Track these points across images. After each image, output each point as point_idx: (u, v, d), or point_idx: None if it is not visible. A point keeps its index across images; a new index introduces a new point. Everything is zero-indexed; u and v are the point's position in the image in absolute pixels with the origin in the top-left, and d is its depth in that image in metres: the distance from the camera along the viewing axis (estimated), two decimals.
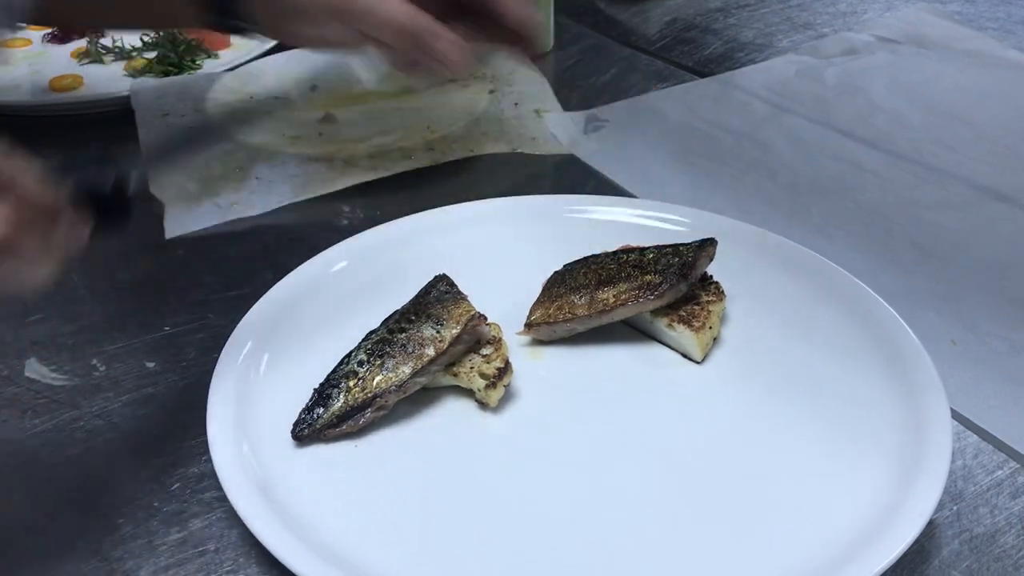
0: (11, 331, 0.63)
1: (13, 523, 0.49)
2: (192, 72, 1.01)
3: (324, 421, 0.51)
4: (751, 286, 0.62)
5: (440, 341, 0.53)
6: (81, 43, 1.09)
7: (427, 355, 0.53)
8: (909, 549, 0.42)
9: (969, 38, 1.11)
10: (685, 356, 0.57)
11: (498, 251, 0.68)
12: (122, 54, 1.06)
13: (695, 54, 1.10)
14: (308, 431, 0.51)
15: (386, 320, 0.56)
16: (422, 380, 0.53)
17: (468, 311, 0.55)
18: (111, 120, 0.93)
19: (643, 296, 0.57)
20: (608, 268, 0.60)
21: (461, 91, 0.94)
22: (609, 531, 0.46)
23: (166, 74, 1.00)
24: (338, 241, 0.67)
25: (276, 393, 0.54)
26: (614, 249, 0.63)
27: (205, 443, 0.49)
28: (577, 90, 1.00)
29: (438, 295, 0.57)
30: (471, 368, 0.54)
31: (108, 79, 1.01)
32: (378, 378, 0.52)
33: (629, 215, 0.71)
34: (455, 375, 0.54)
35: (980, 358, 0.60)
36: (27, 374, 0.60)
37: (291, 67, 1.00)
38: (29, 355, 0.61)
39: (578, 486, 0.49)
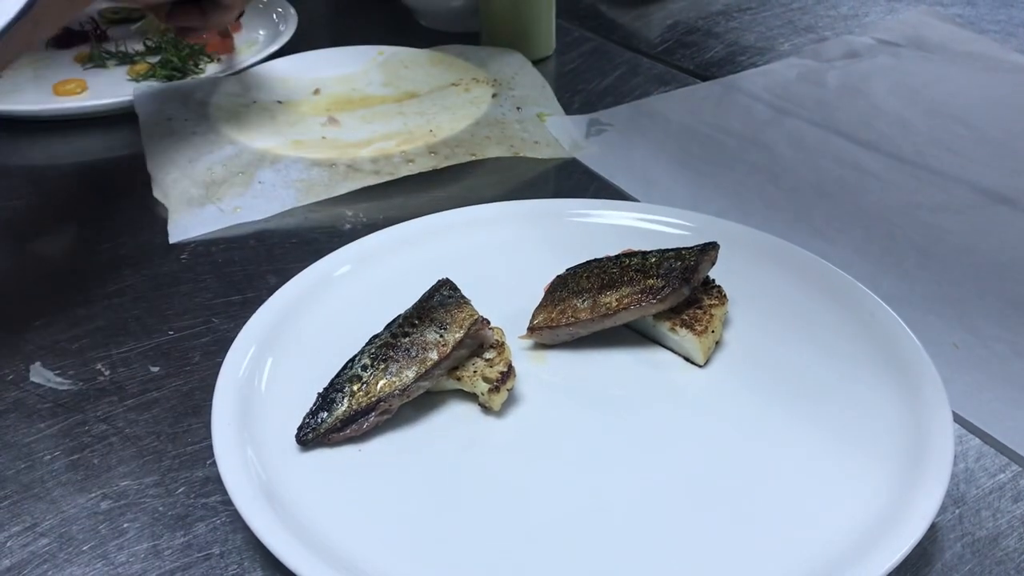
0: (16, 336, 0.64)
1: (18, 528, 0.49)
2: (195, 76, 1.02)
3: (328, 425, 0.51)
4: (753, 290, 0.62)
5: (443, 345, 0.53)
6: (84, 48, 1.09)
7: (430, 359, 0.53)
8: (911, 553, 0.42)
9: (970, 41, 1.11)
10: (687, 360, 0.58)
11: (500, 255, 0.68)
12: (125, 58, 1.06)
13: (697, 57, 1.10)
14: (312, 435, 0.51)
15: (389, 324, 0.57)
16: (426, 384, 0.53)
17: (471, 315, 0.55)
18: (114, 124, 0.93)
19: (645, 300, 0.57)
20: (610, 272, 0.60)
21: (463, 95, 0.94)
22: (612, 534, 0.46)
23: (169, 78, 1.00)
24: (341, 245, 0.67)
25: (280, 397, 0.54)
26: (616, 253, 0.63)
27: (210, 447, 0.50)
28: (579, 94, 1.00)
29: (441, 299, 0.57)
30: (474, 372, 0.54)
31: (111, 83, 1.01)
32: (382, 382, 0.52)
33: (631, 219, 0.71)
34: (458, 379, 0.54)
35: (982, 361, 0.60)
36: (32, 378, 0.60)
37: (294, 71, 1.01)
38: (34, 360, 0.61)
39: (582, 489, 0.49)
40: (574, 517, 0.47)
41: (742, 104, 0.97)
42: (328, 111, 0.92)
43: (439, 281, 0.59)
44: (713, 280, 0.61)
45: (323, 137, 0.87)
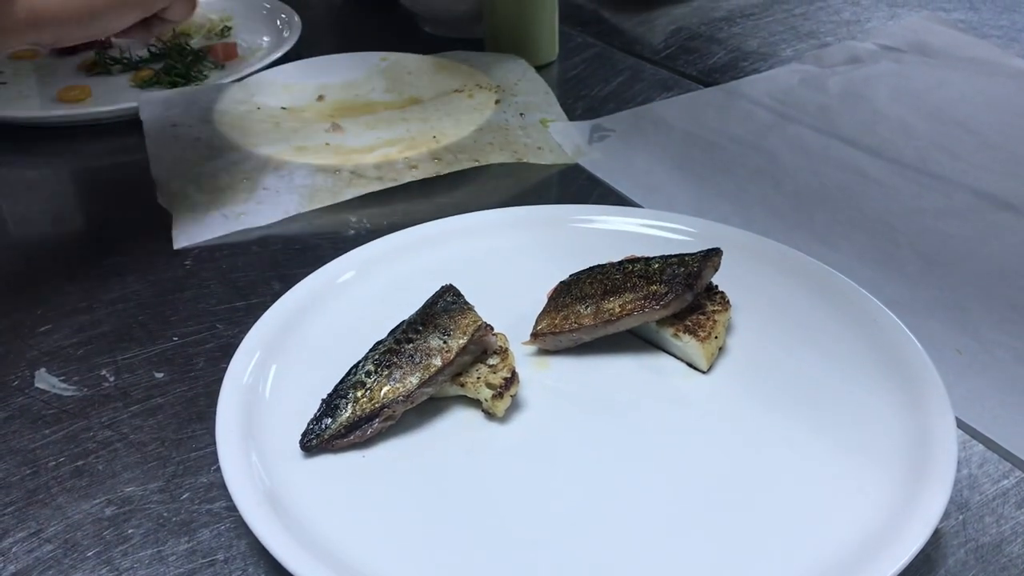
0: (22, 342, 0.64)
1: (23, 533, 0.49)
2: (199, 83, 1.02)
3: (332, 431, 0.51)
4: (756, 296, 0.62)
5: (447, 351, 0.54)
6: (88, 54, 1.10)
7: (434, 365, 0.53)
8: (915, 559, 0.42)
9: (973, 46, 1.11)
10: (691, 366, 0.58)
11: (504, 261, 0.68)
12: (129, 65, 1.07)
13: (699, 63, 1.10)
14: (316, 441, 0.51)
15: (393, 330, 0.57)
16: (429, 390, 0.53)
17: (475, 321, 0.55)
18: (119, 131, 0.93)
19: (649, 306, 0.57)
20: (614, 278, 0.60)
21: (467, 101, 0.94)
22: (616, 540, 0.46)
23: (173, 85, 1.01)
24: (345, 251, 0.67)
25: (284, 403, 0.54)
26: (619, 259, 0.63)
27: (214, 453, 0.50)
28: (582, 100, 1.00)
29: (445, 305, 0.57)
30: (478, 378, 0.54)
31: (115, 90, 1.02)
32: (385, 388, 0.52)
33: (634, 225, 0.71)
34: (462, 385, 0.54)
35: (985, 367, 0.60)
36: (37, 384, 0.60)
37: (298, 78, 1.01)
38: (39, 366, 0.62)
39: (585, 495, 0.49)
40: (577, 523, 0.47)
41: (744, 110, 0.97)
42: (332, 117, 0.93)
43: (443, 287, 0.59)
44: (716, 286, 0.61)
45: (327, 143, 0.87)
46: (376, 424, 0.51)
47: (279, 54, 1.07)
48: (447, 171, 0.82)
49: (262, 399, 0.54)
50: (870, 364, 0.56)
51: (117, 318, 0.66)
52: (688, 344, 0.57)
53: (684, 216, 0.71)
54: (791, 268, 0.64)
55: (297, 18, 1.17)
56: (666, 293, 0.57)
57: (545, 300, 0.62)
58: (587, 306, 0.59)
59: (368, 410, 0.51)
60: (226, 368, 0.55)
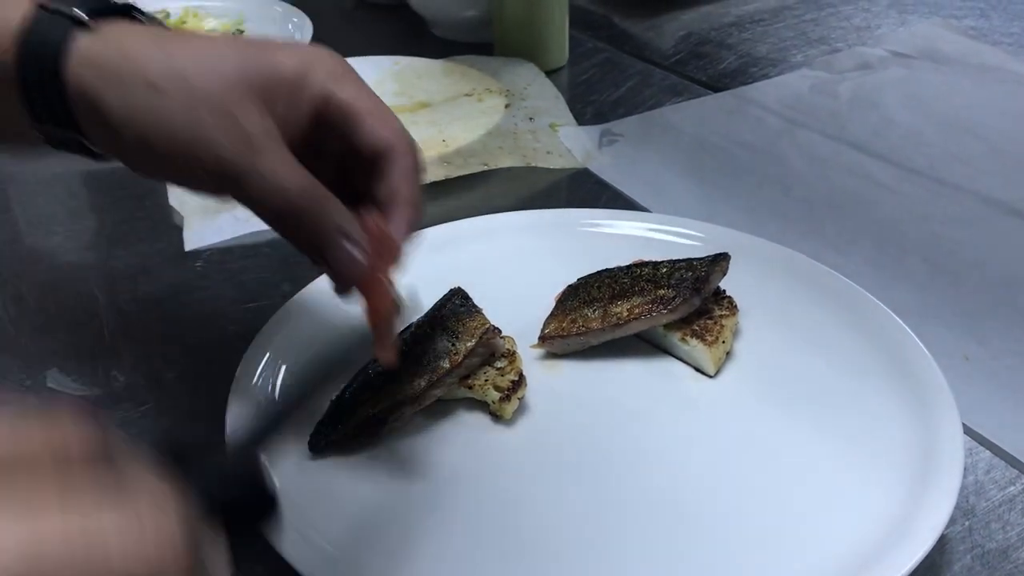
0: (33, 342, 0.64)
1: None
2: None
3: (341, 433, 0.51)
4: (764, 301, 0.63)
5: (455, 354, 0.54)
6: None
7: (442, 368, 0.53)
8: (920, 564, 0.42)
9: (983, 53, 1.11)
10: (698, 370, 0.58)
11: (512, 264, 0.68)
12: None
13: (709, 68, 1.11)
14: (325, 443, 0.51)
15: (402, 332, 0.57)
16: (437, 392, 0.53)
17: (483, 324, 0.56)
18: None
19: (656, 310, 0.57)
20: (622, 282, 0.60)
21: (476, 105, 0.95)
22: (623, 543, 0.46)
23: None
24: None
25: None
26: (627, 263, 0.63)
27: (223, 453, 0.50)
28: (591, 104, 1.00)
29: (453, 308, 0.57)
30: (485, 381, 0.54)
31: None
32: (393, 391, 0.53)
33: (643, 229, 0.71)
34: (470, 387, 0.54)
35: (993, 374, 0.60)
36: (49, 384, 0.60)
37: None
38: (51, 366, 0.62)
39: (592, 498, 0.49)
40: (585, 525, 0.48)
41: (754, 115, 0.97)
42: None
43: (451, 290, 0.59)
44: (724, 291, 0.61)
45: None
46: (384, 426, 0.52)
47: None
48: (456, 174, 0.82)
49: (272, 401, 0.54)
50: (877, 369, 0.56)
51: (128, 319, 0.67)
52: (695, 348, 0.57)
53: (692, 221, 0.71)
54: (799, 273, 0.64)
55: (308, 22, 1.18)
56: (674, 297, 0.57)
57: (553, 303, 0.62)
58: (595, 310, 0.59)
59: (376, 412, 0.52)
60: (236, 369, 0.56)
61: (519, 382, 0.54)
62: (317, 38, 1.14)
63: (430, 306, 0.58)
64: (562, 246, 0.70)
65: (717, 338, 0.57)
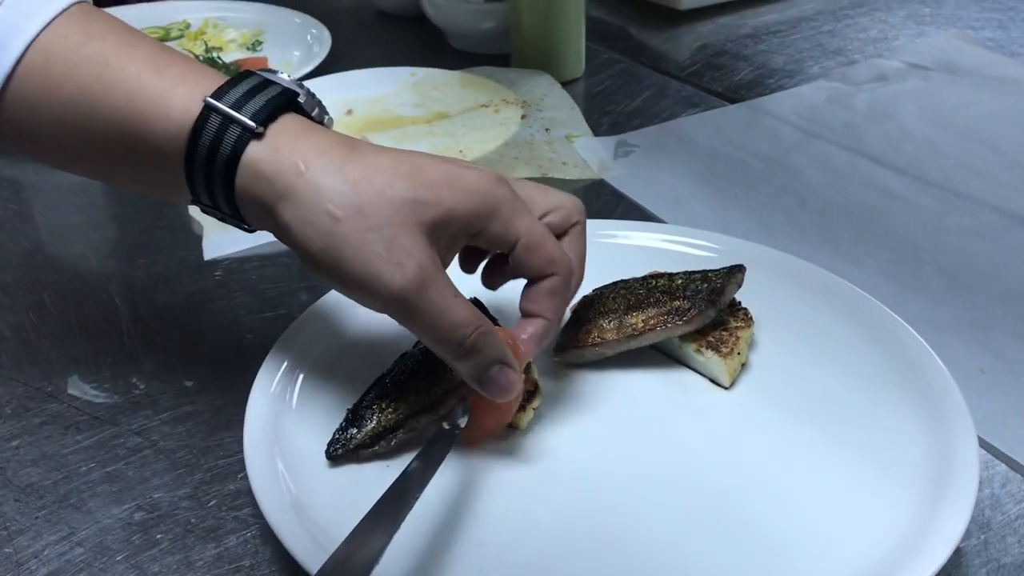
0: (55, 349, 0.65)
1: (55, 537, 0.51)
2: None
3: (357, 441, 0.52)
4: (779, 312, 0.63)
5: None
6: None
7: (458, 377, 0.53)
8: None
9: (1001, 64, 1.11)
10: (713, 381, 0.58)
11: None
12: None
13: (725, 80, 1.11)
14: (342, 451, 0.52)
15: (418, 342, 0.57)
16: (453, 402, 0.54)
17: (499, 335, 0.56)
18: None
19: (672, 321, 0.57)
20: (637, 293, 0.61)
21: (493, 116, 0.95)
22: (637, 554, 0.47)
23: None
24: None
25: (310, 413, 0.55)
26: (643, 274, 0.63)
27: (241, 461, 0.51)
28: (607, 115, 1.01)
29: None
30: None
31: None
32: (410, 400, 0.53)
33: (658, 240, 0.71)
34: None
35: (1009, 387, 0.60)
36: (70, 391, 0.61)
37: (327, 92, 1.01)
38: (72, 373, 0.63)
39: (607, 509, 0.49)
40: (599, 537, 0.48)
41: (770, 127, 0.97)
42: (360, 131, 0.94)
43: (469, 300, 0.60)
44: (739, 302, 0.61)
45: None
46: (401, 435, 0.52)
47: (309, 68, 1.09)
48: None
49: (289, 408, 0.55)
50: (892, 382, 0.56)
51: (148, 327, 0.68)
52: (711, 360, 0.57)
53: (708, 232, 0.71)
54: (814, 285, 0.64)
55: (327, 33, 1.19)
56: (689, 309, 0.58)
57: (568, 314, 0.62)
58: (610, 321, 0.59)
59: (393, 421, 0.52)
60: (254, 377, 0.56)
61: (534, 392, 0.54)
62: (336, 49, 1.15)
63: None
64: None
65: (732, 350, 0.57)
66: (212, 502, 0.52)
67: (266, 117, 0.48)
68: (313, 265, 0.48)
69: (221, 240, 0.77)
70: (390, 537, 0.40)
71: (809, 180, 0.87)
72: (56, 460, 0.56)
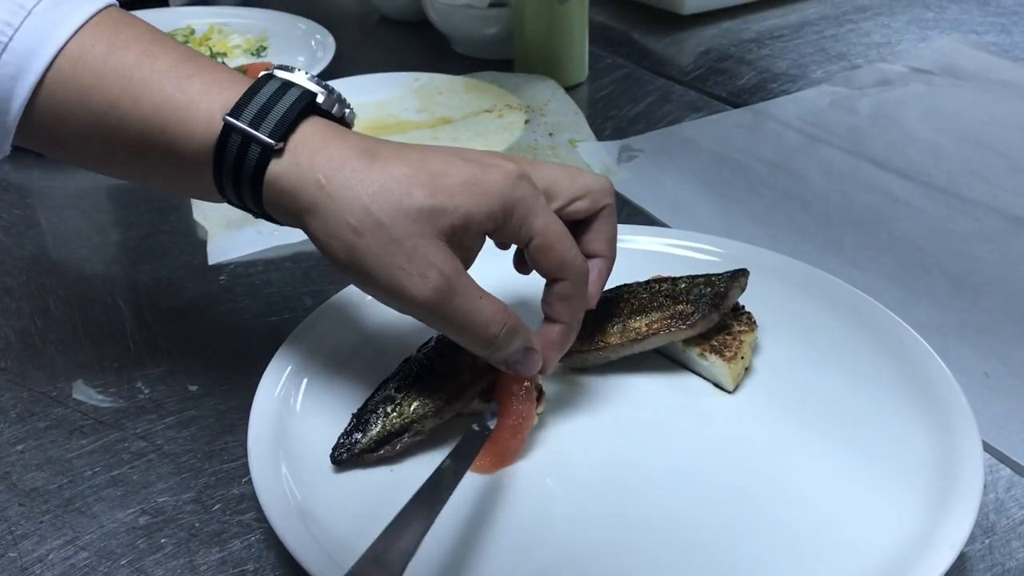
0: (60, 354, 0.66)
1: (59, 541, 0.51)
2: None
3: (362, 446, 0.52)
4: (783, 316, 0.63)
5: (475, 368, 0.54)
6: None
7: (462, 382, 0.54)
8: None
9: (1004, 69, 1.11)
10: (717, 385, 0.58)
11: (531, 278, 0.68)
12: None
13: (728, 84, 1.11)
14: (346, 455, 0.52)
15: (422, 346, 0.58)
16: (457, 407, 0.54)
17: None
18: None
19: (675, 326, 0.57)
20: (641, 297, 0.61)
21: (497, 121, 0.96)
22: (641, 557, 0.47)
23: None
24: None
25: (315, 417, 0.55)
26: (646, 278, 0.63)
27: (245, 465, 0.51)
28: (611, 120, 1.01)
29: None
30: None
31: None
32: (414, 404, 0.53)
33: (662, 244, 0.71)
34: (489, 402, 0.55)
35: (1014, 391, 0.60)
36: (75, 395, 0.61)
37: None
38: (77, 377, 0.63)
39: (611, 513, 0.49)
40: (602, 541, 0.48)
41: (773, 131, 0.98)
42: None
43: None
44: (743, 306, 0.61)
45: None
46: (405, 439, 0.52)
47: (314, 74, 1.08)
48: None
49: (293, 413, 0.55)
50: (897, 386, 0.56)
51: (153, 331, 0.68)
52: (714, 364, 0.57)
53: (711, 236, 0.71)
54: (818, 289, 0.64)
55: (331, 38, 1.19)
56: (693, 313, 0.58)
57: None
58: (614, 325, 0.59)
59: (397, 425, 0.52)
60: (258, 382, 0.56)
61: (538, 397, 0.54)
62: (340, 54, 1.15)
63: None
64: None
65: (736, 354, 0.57)
66: (216, 506, 0.52)
67: (286, 130, 0.48)
68: (343, 272, 0.50)
69: (225, 244, 0.77)
70: (426, 530, 0.41)
71: (812, 184, 0.87)
72: (61, 464, 0.56)
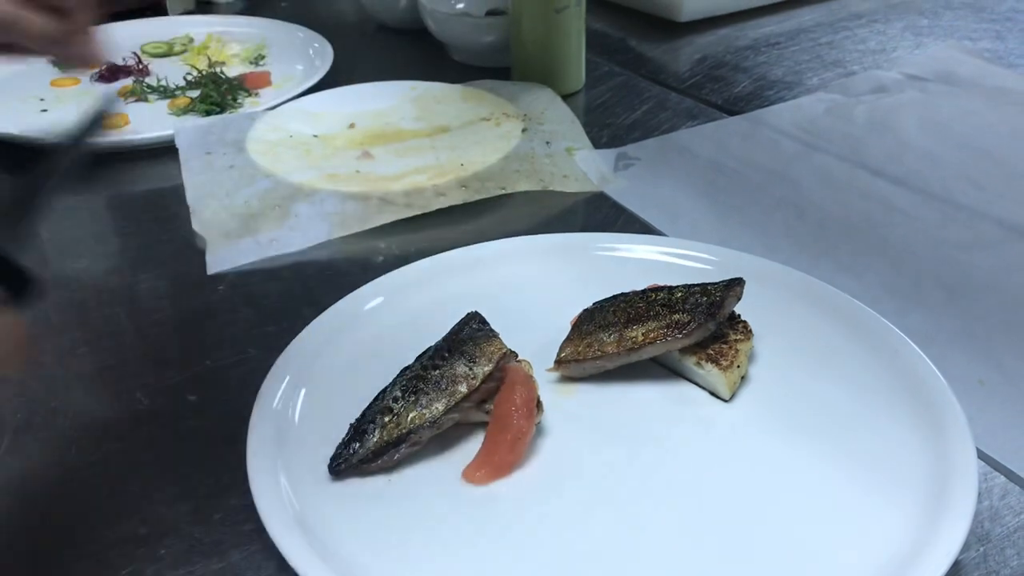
0: (60, 364, 0.66)
1: (58, 550, 0.51)
2: (234, 111, 1.04)
3: (360, 456, 0.52)
4: (779, 325, 0.63)
5: (473, 378, 0.55)
6: (127, 82, 1.13)
7: (460, 392, 0.54)
8: None
9: (999, 75, 1.12)
10: (713, 394, 0.58)
11: (529, 288, 0.69)
12: (166, 93, 1.10)
13: (725, 92, 1.11)
14: (344, 465, 0.52)
15: (420, 356, 0.58)
16: (455, 416, 0.54)
17: (500, 348, 0.56)
18: (155, 157, 0.96)
19: (671, 335, 0.58)
20: (637, 306, 0.61)
21: (494, 129, 0.96)
22: (637, 565, 0.47)
23: (208, 113, 1.03)
24: (374, 278, 0.69)
25: (313, 428, 0.55)
26: (643, 287, 0.64)
27: (245, 476, 0.51)
28: (607, 128, 1.01)
29: (471, 332, 0.58)
30: None
31: (153, 117, 1.04)
32: (412, 414, 0.53)
33: (658, 253, 0.72)
34: (487, 412, 0.55)
35: (1009, 399, 0.60)
36: (74, 406, 0.62)
37: (329, 106, 1.03)
38: (76, 387, 0.63)
39: (607, 522, 0.50)
40: (599, 549, 0.48)
41: (769, 139, 0.98)
42: (362, 145, 0.94)
43: (468, 314, 0.60)
44: (739, 315, 0.62)
45: (357, 171, 0.89)
46: (403, 449, 0.53)
47: (312, 83, 1.09)
48: (474, 199, 0.83)
49: (292, 423, 0.55)
50: (892, 394, 0.56)
51: (151, 341, 0.68)
52: (710, 373, 0.58)
53: (708, 245, 0.72)
54: (814, 298, 0.65)
55: (330, 47, 1.20)
56: (689, 322, 0.58)
57: (569, 327, 0.63)
58: (610, 334, 0.59)
59: (395, 435, 0.53)
60: (257, 392, 0.57)
61: (536, 406, 0.55)
62: (338, 63, 1.16)
63: (448, 330, 0.59)
64: (578, 270, 0.71)
65: (732, 362, 0.58)
66: (216, 517, 0.53)
67: None
68: None
69: (224, 254, 0.77)
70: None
71: (808, 192, 0.87)
72: (61, 475, 0.56)
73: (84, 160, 0.47)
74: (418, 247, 0.78)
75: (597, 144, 0.96)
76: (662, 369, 0.61)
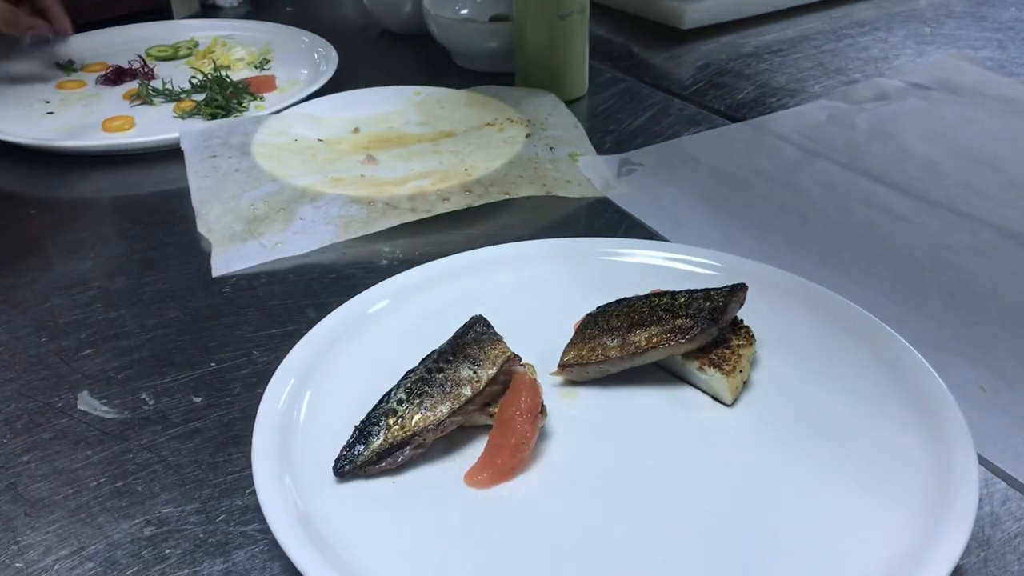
0: (65, 365, 0.66)
1: (65, 551, 0.51)
2: (239, 115, 1.05)
3: (364, 458, 0.52)
4: (781, 330, 0.63)
5: (477, 381, 0.55)
6: (133, 85, 1.13)
7: (464, 395, 0.54)
8: None
9: (1000, 84, 1.12)
10: (715, 399, 0.59)
11: (532, 292, 0.69)
12: (171, 96, 1.10)
13: (727, 99, 1.12)
14: (349, 467, 0.52)
15: (424, 360, 0.58)
16: (459, 419, 0.54)
17: (504, 352, 0.57)
18: (161, 160, 0.96)
19: (674, 339, 0.58)
20: (640, 311, 0.61)
21: (498, 134, 0.96)
22: (639, 572, 0.47)
23: (213, 116, 1.04)
24: (378, 281, 0.69)
25: (318, 429, 0.56)
26: (645, 292, 0.64)
27: (249, 477, 0.51)
28: (611, 134, 1.02)
29: (475, 336, 0.59)
30: None
31: (158, 120, 1.05)
32: (416, 417, 0.54)
33: (660, 258, 0.72)
34: (491, 415, 0.55)
35: (1010, 405, 0.60)
36: (80, 407, 0.62)
37: (334, 110, 1.03)
38: (81, 388, 0.64)
39: (609, 526, 0.50)
40: (601, 553, 0.48)
41: (772, 145, 0.98)
42: (367, 149, 0.95)
43: (472, 318, 0.60)
44: (741, 320, 0.62)
45: (362, 175, 0.89)
46: (407, 451, 0.53)
47: (316, 87, 1.10)
48: (478, 203, 0.84)
49: (296, 425, 0.56)
50: (893, 400, 0.57)
51: (157, 343, 0.68)
52: (713, 377, 0.58)
53: (710, 251, 0.72)
54: (816, 304, 0.65)
55: (334, 52, 1.20)
56: (691, 327, 0.58)
57: (572, 332, 0.63)
58: (613, 338, 0.60)
59: (399, 438, 0.53)
60: (262, 394, 0.57)
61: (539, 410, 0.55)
62: (343, 68, 1.16)
63: (452, 333, 0.59)
64: (581, 275, 0.71)
65: (735, 367, 0.58)
66: (220, 517, 0.53)
67: None
68: None
69: (229, 257, 0.78)
70: None
71: (810, 199, 0.87)
72: (66, 475, 0.56)
73: None
74: (422, 251, 0.78)
75: (600, 150, 0.97)
76: (665, 373, 0.61)
